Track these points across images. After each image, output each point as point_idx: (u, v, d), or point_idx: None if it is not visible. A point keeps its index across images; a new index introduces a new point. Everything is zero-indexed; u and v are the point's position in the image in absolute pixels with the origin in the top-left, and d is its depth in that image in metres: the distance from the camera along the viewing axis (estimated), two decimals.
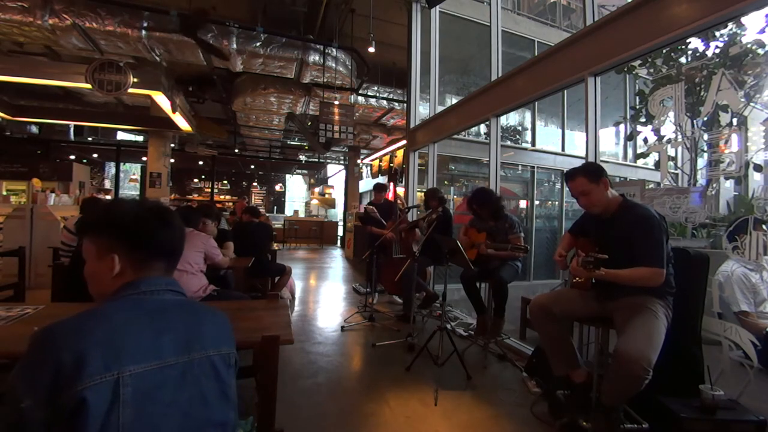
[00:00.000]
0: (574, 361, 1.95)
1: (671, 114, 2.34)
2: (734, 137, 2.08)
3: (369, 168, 14.64)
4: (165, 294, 0.83)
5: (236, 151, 13.84)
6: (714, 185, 2.27)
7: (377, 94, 8.13)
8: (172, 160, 9.83)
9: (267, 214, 12.43)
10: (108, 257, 0.80)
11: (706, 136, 2.33)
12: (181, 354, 0.77)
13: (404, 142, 6.96)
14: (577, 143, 7.43)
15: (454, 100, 5.47)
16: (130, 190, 15.51)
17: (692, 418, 1.68)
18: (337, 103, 6.93)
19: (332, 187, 17.89)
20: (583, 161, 2.78)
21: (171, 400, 0.73)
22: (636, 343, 1.59)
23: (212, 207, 3.45)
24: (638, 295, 1.75)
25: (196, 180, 18.43)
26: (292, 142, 13.68)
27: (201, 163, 15.76)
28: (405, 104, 6.55)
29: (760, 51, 2.88)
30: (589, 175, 1.86)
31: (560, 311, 1.92)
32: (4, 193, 8.58)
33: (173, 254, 0.89)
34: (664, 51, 3.50)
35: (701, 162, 3.28)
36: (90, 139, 12.39)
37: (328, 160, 16.50)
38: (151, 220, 0.85)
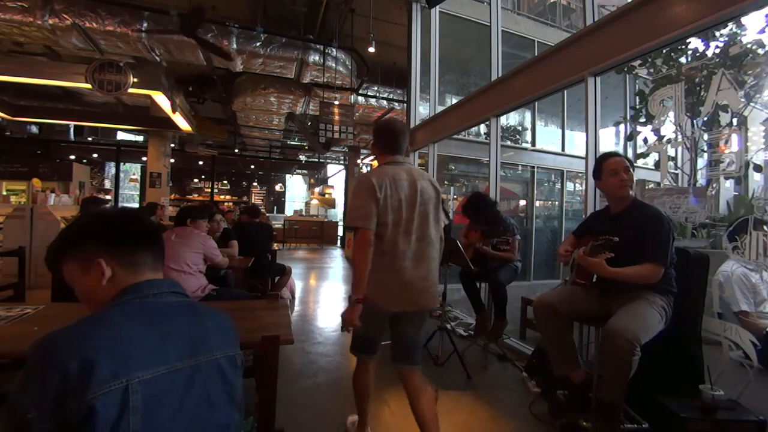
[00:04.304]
0: (574, 361, 1.96)
1: (671, 114, 2.34)
2: (734, 137, 2.08)
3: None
4: (168, 296, 0.82)
5: (236, 151, 13.83)
6: (714, 185, 2.27)
7: (377, 94, 8.13)
8: (172, 160, 9.83)
9: (267, 214, 12.44)
10: (94, 264, 0.78)
11: (706, 136, 2.33)
12: (187, 358, 0.76)
13: None
14: (577, 143, 7.44)
15: (454, 100, 5.47)
16: (130, 190, 15.51)
17: (692, 418, 1.68)
18: (337, 103, 6.93)
19: (332, 187, 17.88)
20: (584, 161, 2.79)
21: (179, 404, 0.72)
22: (622, 321, 1.65)
23: (203, 207, 3.41)
24: (639, 290, 1.77)
25: (196, 180, 18.42)
26: (292, 142, 13.68)
27: (201, 163, 15.75)
28: (405, 104, 6.55)
29: (760, 51, 2.87)
30: (629, 161, 1.94)
31: (565, 309, 1.91)
32: (4, 193, 8.59)
33: (155, 243, 0.87)
34: (664, 51, 3.49)
35: (701, 162, 3.28)
36: (90, 139, 12.40)
37: (328, 160, 16.50)
38: (116, 215, 0.87)
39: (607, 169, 1.94)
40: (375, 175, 1.62)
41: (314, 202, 17.74)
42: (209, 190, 17.10)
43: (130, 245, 0.83)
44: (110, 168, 14.65)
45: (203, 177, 18.08)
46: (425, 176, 1.75)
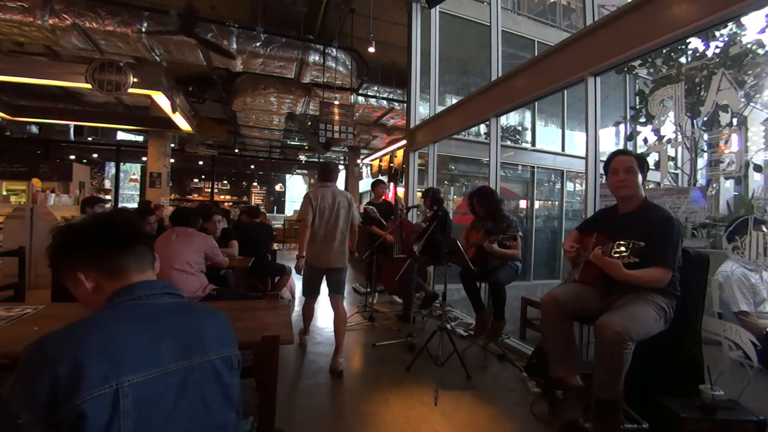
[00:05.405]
0: (574, 365, 1.94)
1: (671, 114, 2.34)
2: (734, 137, 2.08)
3: (369, 168, 14.63)
4: (161, 298, 0.81)
5: (236, 151, 13.84)
6: (714, 185, 2.27)
7: (377, 94, 8.13)
8: (172, 160, 9.83)
9: (267, 214, 12.42)
10: (76, 279, 0.79)
11: (706, 136, 2.33)
12: (181, 360, 0.75)
13: (404, 142, 6.96)
14: (577, 143, 7.43)
15: (454, 100, 5.47)
16: (130, 190, 15.50)
17: (692, 418, 1.68)
18: (337, 103, 6.93)
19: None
20: (584, 161, 2.79)
21: (173, 407, 0.72)
22: (613, 315, 1.67)
23: (204, 207, 3.43)
24: (641, 290, 1.77)
25: (196, 180, 18.40)
26: (292, 142, 13.69)
27: (201, 163, 15.74)
28: (405, 104, 6.55)
29: (760, 51, 2.87)
30: (640, 161, 1.92)
31: (573, 307, 1.90)
32: (4, 193, 8.58)
33: (134, 244, 0.85)
34: (664, 51, 3.49)
35: (701, 162, 3.28)
36: (90, 139, 12.40)
37: (329, 160, 16.50)
38: (86, 225, 0.85)
39: (611, 167, 1.94)
40: (313, 192, 2.95)
41: None
42: (209, 190, 17.08)
43: (104, 253, 0.81)
44: (110, 168, 14.63)
45: (203, 177, 18.05)
46: (343, 194, 3.02)
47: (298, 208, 19.03)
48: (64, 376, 0.61)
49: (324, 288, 3.06)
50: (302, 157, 15.60)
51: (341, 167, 15.73)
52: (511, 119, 7.81)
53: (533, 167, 7.08)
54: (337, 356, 2.76)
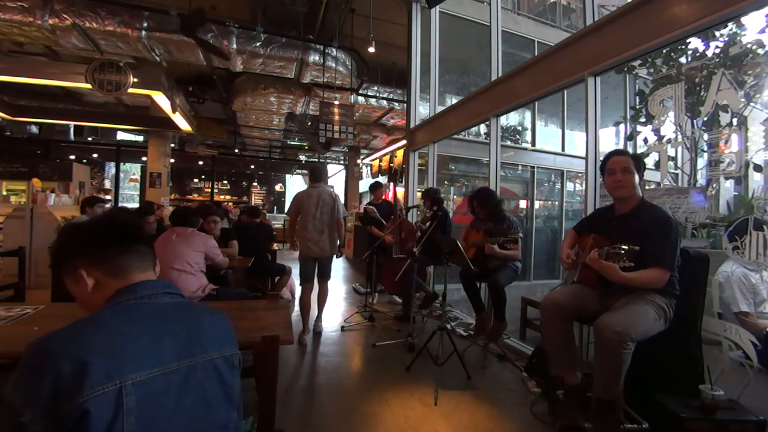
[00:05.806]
0: (573, 364, 1.94)
1: (671, 114, 2.34)
2: (734, 137, 2.08)
3: (369, 168, 14.62)
4: (163, 297, 0.82)
5: (236, 151, 13.83)
6: (714, 185, 2.27)
7: (377, 94, 8.12)
8: (172, 160, 9.83)
9: (267, 214, 12.41)
10: (77, 276, 0.79)
11: (706, 136, 2.33)
12: (183, 358, 0.76)
13: (404, 142, 6.96)
14: (577, 143, 7.44)
15: (454, 100, 5.47)
16: (130, 190, 15.50)
17: (692, 418, 1.68)
18: (337, 103, 6.93)
19: (332, 187, 17.82)
20: (584, 161, 2.79)
21: (175, 405, 0.72)
22: (612, 316, 1.67)
23: (204, 207, 3.43)
24: (641, 290, 1.77)
25: (196, 180, 18.40)
26: (292, 142, 13.68)
27: (201, 163, 15.74)
28: (405, 104, 6.55)
29: (760, 51, 2.87)
30: (636, 160, 1.92)
31: (573, 309, 1.90)
32: (4, 193, 8.58)
33: (136, 243, 0.86)
34: (664, 51, 3.49)
35: (701, 162, 3.27)
36: (90, 139, 12.38)
37: (328, 160, 16.50)
38: (89, 223, 0.86)
39: (607, 167, 1.94)
40: (301, 193, 3.49)
41: None
42: (209, 190, 17.08)
43: (107, 251, 0.82)
44: (110, 168, 14.63)
45: (203, 177, 18.05)
46: (327, 192, 3.52)
47: None
48: (67, 374, 0.61)
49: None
50: (302, 157, 15.59)
51: (341, 167, 15.75)
52: (511, 119, 7.81)
53: (533, 167, 7.08)
54: (318, 320, 3.49)
